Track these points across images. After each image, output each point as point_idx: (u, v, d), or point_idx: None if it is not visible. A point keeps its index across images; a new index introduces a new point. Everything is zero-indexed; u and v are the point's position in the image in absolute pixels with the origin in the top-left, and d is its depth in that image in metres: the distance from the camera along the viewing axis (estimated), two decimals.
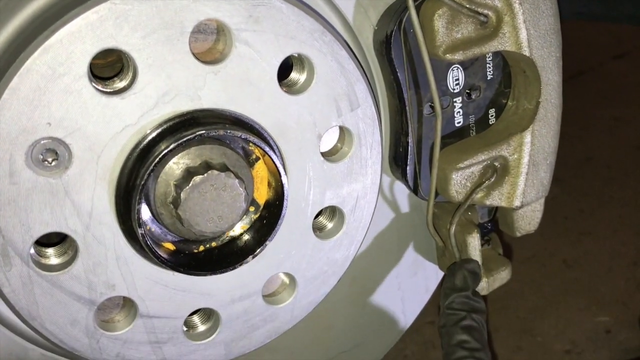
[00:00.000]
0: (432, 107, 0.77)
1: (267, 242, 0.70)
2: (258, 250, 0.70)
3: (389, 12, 0.77)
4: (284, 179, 0.68)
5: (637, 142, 2.70)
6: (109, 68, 0.71)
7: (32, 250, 0.63)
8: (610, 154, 2.50)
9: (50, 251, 0.65)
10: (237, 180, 0.65)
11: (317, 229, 0.77)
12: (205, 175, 0.64)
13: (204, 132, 0.63)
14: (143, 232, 0.63)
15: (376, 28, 0.78)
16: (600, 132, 2.67)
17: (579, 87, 3.16)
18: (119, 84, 0.62)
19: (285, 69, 0.69)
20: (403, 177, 0.82)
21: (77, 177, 0.61)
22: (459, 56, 0.74)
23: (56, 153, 0.60)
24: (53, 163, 0.60)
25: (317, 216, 0.76)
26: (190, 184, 0.63)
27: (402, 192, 0.87)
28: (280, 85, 0.68)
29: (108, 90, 0.62)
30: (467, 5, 0.72)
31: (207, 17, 0.62)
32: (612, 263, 1.94)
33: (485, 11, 0.73)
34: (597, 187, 2.26)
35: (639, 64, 3.36)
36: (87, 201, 0.62)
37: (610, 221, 2.06)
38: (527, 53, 0.76)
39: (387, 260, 0.91)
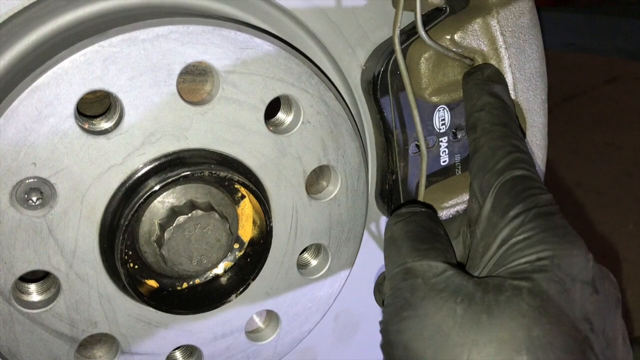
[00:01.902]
0: (418, 146, 0.78)
1: (251, 282, 0.70)
2: (241, 289, 0.70)
3: (376, 53, 0.78)
4: (269, 219, 0.69)
5: (627, 168, 2.72)
6: (98, 103, 0.72)
7: (15, 288, 0.63)
8: (600, 180, 2.52)
9: (32, 287, 0.65)
10: (221, 220, 0.65)
11: (302, 265, 0.77)
12: (190, 215, 0.64)
13: (189, 172, 0.63)
14: (126, 271, 0.63)
15: (364, 68, 0.78)
16: (590, 157, 2.69)
17: (571, 111, 3.18)
18: (106, 124, 0.62)
19: (272, 105, 0.70)
20: (389, 214, 0.82)
21: (61, 216, 0.61)
22: (445, 98, 0.75)
23: (41, 192, 0.60)
24: (37, 202, 0.60)
25: (301, 252, 0.76)
26: (174, 224, 0.64)
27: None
28: (267, 124, 0.68)
29: (95, 130, 0.62)
30: (454, 49, 0.73)
31: (195, 59, 0.62)
32: None
33: (472, 55, 0.74)
34: (587, 213, 2.27)
35: (630, 88, 3.39)
36: (71, 240, 0.63)
37: (599, 247, 2.07)
38: (512, 96, 0.77)
39: (371, 295, 0.91)
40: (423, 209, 0.71)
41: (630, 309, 1.93)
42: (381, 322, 0.63)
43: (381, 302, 0.72)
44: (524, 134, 0.79)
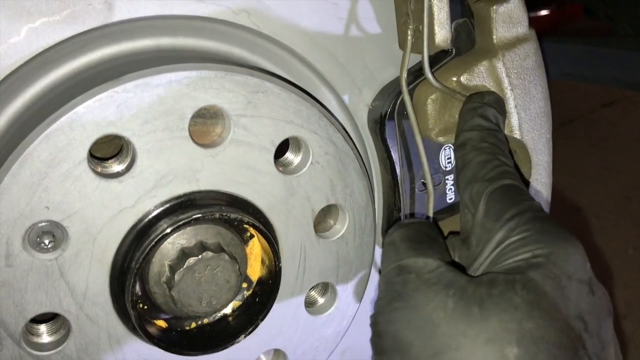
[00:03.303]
0: (425, 184, 0.79)
1: (259, 322, 0.70)
2: (250, 329, 0.70)
3: (383, 93, 0.79)
4: (277, 260, 0.69)
5: (626, 192, 2.73)
6: (108, 143, 0.72)
7: (25, 330, 0.63)
8: (599, 204, 2.53)
9: (42, 328, 0.66)
10: (231, 261, 0.66)
11: (309, 303, 0.77)
12: (200, 256, 0.65)
13: (200, 215, 0.64)
14: (136, 313, 0.63)
15: (371, 107, 0.79)
16: (590, 181, 2.70)
17: (569, 135, 3.20)
18: (118, 167, 0.63)
19: (280, 144, 0.71)
20: None
21: (72, 258, 0.62)
22: (451, 138, 0.76)
23: (53, 235, 0.61)
24: (50, 245, 0.61)
25: (309, 291, 0.76)
26: (184, 266, 0.64)
27: None
28: (276, 164, 0.69)
29: (107, 173, 0.63)
30: (460, 91, 0.74)
31: (207, 104, 0.63)
32: None
33: None
34: (586, 238, 2.28)
35: (628, 112, 3.42)
36: (81, 282, 0.63)
37: (598, 273, 2.08)
38: (518, 136, 0.78)
39: None
40: (423, 220, 0.72)
41: (628, 338, 1.93)
42: (371, 316, 0.62)
43: None
44: (518, 168, 0.81)
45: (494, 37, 0.73)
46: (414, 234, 0.66)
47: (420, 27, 0.71)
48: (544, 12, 2.88)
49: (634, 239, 2.32)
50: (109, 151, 0.70)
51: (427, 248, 0.63)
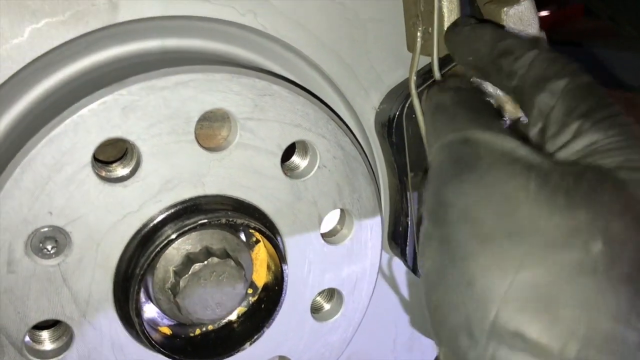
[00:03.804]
0: None
1: (265, 329, 0.69)
2: (256, 336, 0.69)
3: (390, 95, 0.77)
4: (284, 265, 0.68)
5: None
6: (112, 146, 0.71)
7: (27, 337, 0.61)
8: None
9: (44, 335, 0.64)
10: (237, 267, 0.65)
11: (314, 309, 0.76)
12: (206, 262, 0.63)
13: (206, 220, 0.62)
14: (140, 321, 0.62)
15: (378, 110, 0.78)
16: None
17: None
18: (122, 171, 0.62)
19: (287, 148, 0.70)
20: (402, 256, 0.82)
21: (75, 264, 0.61)
22: None
23: (56, 241, 0.60)
24: (52, 251, 0.60)
25: (315, 296, 0.75)
26: (190, 272, 0.63)
27: (399, 267, 0.87)
28: (283, 168, 0.68)
29: (111, 177, 0.61)
30: None
31: (214, 107, 0.62)
32: None
33: (488, 98, 0.74)
34: None
35: (628, 113, 3.41)
36: (84, 288, 0.62)
37: None
38: None
39: (383, 336, 0.90)
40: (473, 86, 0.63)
41: None
42: (429, 183, 0.55)
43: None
44: None
45: None
46: (469, 99, 0.58)
47: (430, 29, 0.70)
48: (543, 13, 2.87)
49: None
50: (112, 154, 0.68)
51: (493, 119, 0.55)
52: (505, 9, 0.71)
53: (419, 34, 0.71)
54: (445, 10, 0.68)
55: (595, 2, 1.84)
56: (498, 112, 0.58)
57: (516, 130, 0.56)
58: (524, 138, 0.54)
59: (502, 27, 0.71)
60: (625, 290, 0.46)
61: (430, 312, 0.52)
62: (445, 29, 0.68)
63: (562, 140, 0.53)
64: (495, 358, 0.47)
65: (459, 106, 0.57)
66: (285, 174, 0.68)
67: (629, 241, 0.47)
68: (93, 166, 0.59)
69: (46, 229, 0.59)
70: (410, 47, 0.73)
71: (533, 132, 0.56)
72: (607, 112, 0.52)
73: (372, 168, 0.76)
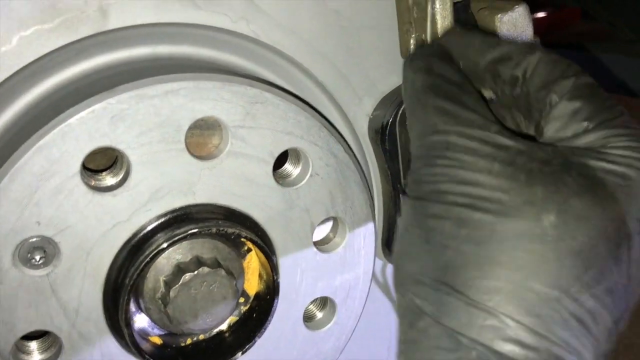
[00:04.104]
0: None
1: (257, 338, 0.68)
2: (247, 346, 0.68)
3: (384, 102, 0.77)
4: (275, 274, 0.67)
5: None
6: (101, 154, 0.70)
7: (14, 347, 0.61)
8: None
9: (33, 345, 0.64)
10: (228, 277, 0.64)
11: (307, 317, 0.75)
12: (196, 272, 0.63)
13: (196, 230, 0.62)
14: (130, 332, 0.61)
15: (371, 117, 0.78)
16: None
17: None
18: (111, 180, 0.61)
19: (279, 156, 0.69)
20: None
21: (64, 274, 0.60)
22: None
23: (44, 251, 0.59)
24: (40, 261, 0.59)
25: (307, 304, 0.74)
26: (180, 282, 0.62)
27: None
28: (275, 176, 0.67)
29: (100, 186, 0.61)
30: None
31: (205, 115, 0.61)
32: None
33: None
34: None
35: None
36: (74, 298, 0.61)
37: None
38: None
39: (377, 343, 0.89)
40: (440, 51, 0.63)
41: (618, 339, 1.92)
42: (411, 171, 0.59)
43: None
44: None
45: None
46: (440, 83, 0.59)
47: (423, 35, 0.69)
48: (540, 15, 2.87)
49: None
50: (102, 162, 0.68)
51: (461, 107, 0.57)
52: (499, 15, 0.71)
53: (412, 40, 0.70)
54: (438, 17, 0.67)
55: (593, 5, 1.84)
56: (471, 89, 0.59)
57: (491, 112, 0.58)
58: (499, 122, 0.57)
59: (494, 34, 0.70)
60: (572, 262, 0.50)
61: (394, 261, 0.59)
62: (439, 35, 0.68)
63: (561, 135, 0.55)
64: (441, 302, 0.52)
65: (430, 93, 0.59)
66: (277, 182, 0.67)
67: (585, 219, 0.50)
68: (82, 175, 0.58)
69: (34, 239, 0.58)
70: (404, 53, 0.73)
71: (534, 124, 0.58)
72: (607, 115, 0.54)
73: (365, 175, 0.76)
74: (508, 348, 0.49)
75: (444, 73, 0.60)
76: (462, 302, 0.51)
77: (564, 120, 0.55)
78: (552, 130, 0.56)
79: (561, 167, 0.52)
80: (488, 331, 0.50)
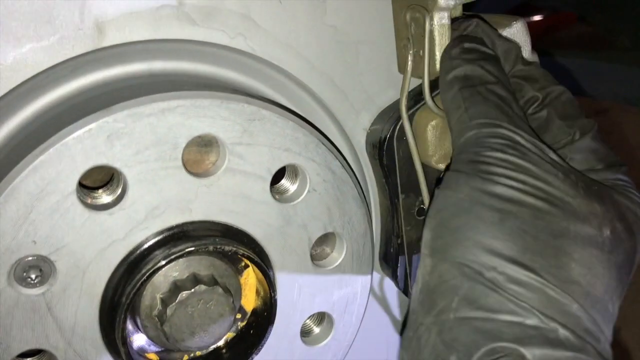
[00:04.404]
0: (424, 210, 0.77)
1: (254, 355, 0.68)
2: None
3: (381, 116, 0.77)
4: (273, 291, 0.67)
5: None
6: (98, 170, 0.70)
7: None
8: None
9: None
10: (225, 295, 0.64)
11: (304, 333, 0.75)
12: (193, 290, 0.62)
13: (193, 248, 0.62)
14: (126, 350, 0.61)
15: (369, 131, 0.77)
16: None
17: None
18: (108, 198, 0.61)
19: (276, 172, 0.69)
20: (393, 277, 0.81)
21: (60, 293, 0.60)
22: None
23: (40, 270, 0.59)
24: (36, 280, 0.58)
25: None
26: (177, 300, 0.62)
27: (391, 287, 0.86)
28: (272, 192, 0.67)
29: (96, 204, 0.60)
30: None
31: (202, 132, 0.61)
32: None
33: None
34: None
35: (620, 121, 3.41)
36: (70, 317, 0.61)
37: None
38: None
39: (374, 357, 0.89)
40: (492, 51, 0.66)
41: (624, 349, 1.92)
42: (460, 150, 0.61)
43: None
44: None
45: None
46: (499, 86, 0.62)
47: (421, 51, 0.69)
48: (536, 18, 2.87)
49: None
50: (99, 177, 0.67)
51: (519, 117, 0.61)
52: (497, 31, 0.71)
53: (410, 56, 0.70)
54: (436, 33, 0.67)
55: (592, 13, 1.84)
56: (519, 105, 0.64)
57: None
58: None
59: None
60: (616, 274, 0.57)
61: (446, 233, 0.58)
62: (437, 52, 0.68)
63: (579, 167, 0.62)
64: (517, 280, 0.54)
65: (490, 91, 0.62)
66: (275, 198, 0.67)
67: (622, 240, 0.57)
68: (78, 193, 0.58)
69: (30, 258, 0.58)
70: (402, 68, 0.73)
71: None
72: (616, 160, 0.63)
73: (362, 190, 0.76)
74: (583, 334, 0.54)
75: (500, 77, 0.64)
76: (543, 285, 0.54)
77: (584, 155, 0.62)
78: (572, 160, 0.62)
79: (601, 189, 0.59)
80: (568, 316, 0.54)
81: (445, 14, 0.67)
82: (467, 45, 0.65)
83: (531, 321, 0.53)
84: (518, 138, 0.58)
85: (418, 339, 0.57)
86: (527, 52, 0.73)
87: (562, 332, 0.53)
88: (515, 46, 0.67)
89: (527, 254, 0.55)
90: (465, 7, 0.71)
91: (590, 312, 0.54)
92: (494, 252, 0.55)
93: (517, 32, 0.71)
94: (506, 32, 0.71)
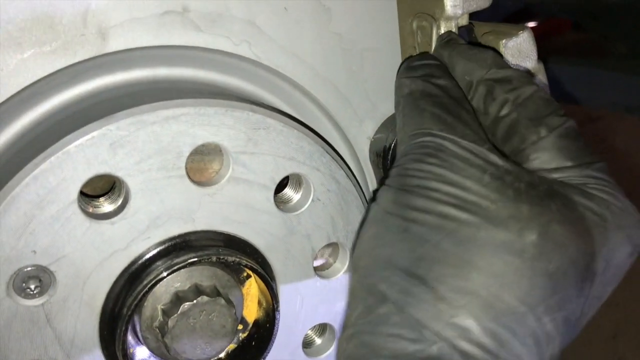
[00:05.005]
0: None
1: None
2: None
3: (385, 125, 0.76)
4: (275, 303, 0.66)
5: None
6: (99, 177, 0.69)
7: None
8: None
9: None
10: (227, 306, 0.63)
11: (306, 344, 0.74)
12: (195, 301, 0.61)
13: (195, 259, 0.60)
14: None
15: (372, 140, 0.77)
16: None
17: None
18: (109, 207, 0.60)
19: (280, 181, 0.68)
20: None
21: (60, 304, 0.58)
22: None
23: (40, 280, 0.57)
24: (36, 290, 0.57)
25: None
26: (179, 311, 0.61)
27: None
28: (275, 201, 0.66)
29: (98, 213, 0.59)
30: None
31: (206, 141, 0.60)
32: (592, 336, 1.94)
33: None
34: None
35: (614, 127, 3.42)
36: (69, 328, 0.59)
37: None
38: None
39: None
40: (440, 63, 0.66)
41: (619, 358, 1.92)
42: (396, 165, 0.59)
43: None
44: None
45: None
46: (438, 93, 0.61)
47: None
48: (531, 24, 2.88)
49: None
50: (99, 185, 0.66)
51: (457, 120, 0.59)
52: (504, 41, 0.70)
53: None
54: None
55: (587, 19, 1.84)
56: (469, 107, 0.62)
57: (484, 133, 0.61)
58: (490, 141, 0.59)
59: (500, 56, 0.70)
60: (543, 283, 0.52)
61: (360, 242, 0.59)
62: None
63: (545, 166, 0.58)
64: (409, 292, 0.52)
65: (428, 100, 0.61)
66: (278, 207, 0.66)
67: (562, 246, 0.52)
68: (79, 202, 0.57)
69: (29, 269, 0.56)
70: None
71: (511, 148, 0.60)
72: (589, 158, 0.58)
73: (366, 199, 0.75)
74: (470, 349, 0.50)
75: (445, 85, 0.62)
76: (432, 296, 0.52)
77: (550, 153, 0.58)
78: (537, 159, 0.58)
79: (546, 193, 0.55)
80: (454, 329, 0.51)
81: (453, 23, 0.66)
82: (414, 63, 0.65)
83: (412, 335, 0.51)
84: (446, 144, 0.57)
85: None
86: (532, 61, 0.72)
87: (437, 347, 0.50)
88: (490, 53, 0.64)
89: (424, 263, 0.53)
90: (470, 15, 0.70)
91: (488, 324, 0.50)
92: (390, 263, 0.54)
93: (523, 41, 0.71)
94: (513, 42, 0.70)
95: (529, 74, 0.65)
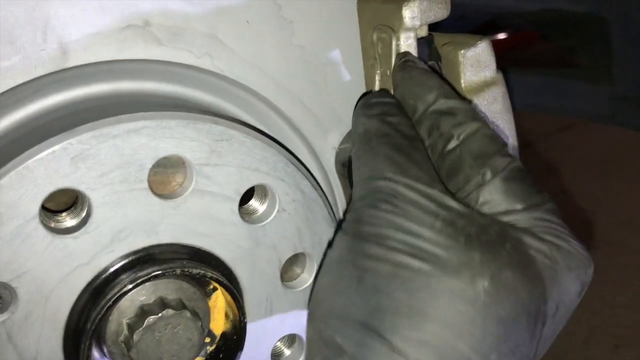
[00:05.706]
0: None
1: None
2: None
3: (350, 135, 0.77)
4: (242, 315, 0.66)
5: (584, 216, 2.78)
6: (62, 192, 0.68)
7: None
8: None
9: None
10: (193, 319, 0.62)
11: (275, 355, 0.74)
12: (160, 315, 0.61)
13: (159, 272, 0.60)
14: None
15: (338, 150, 0.77)
16: None
17: (527, 159, 3.25)
18: (72, 222, 0.59)
19: (245, 192, 0.68)
20: None
21: (22, 320, 0.58)
22: None
23: (0, 297, 0.57)
24: None
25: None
26: (144, 325, 0.60)
27: None
28: (240, 212, 0.66)
29: (60, 227, 0.59)
30: None
31: (168, 153, 0.60)
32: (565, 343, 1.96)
33: None
34: None
35: (585, 136, 3.49)
36: (32, 345, 0.59)
37: None
38: None
39: None
40: (394, 101, 0.66)
41: None
42: (351, 209, 0.60)
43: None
44: None
45: (462, 81, 0.72)
46: (391, 133, 0.61)
47: (388, 71, 0.69)
48: (500, 36, 2.93)
49: (594, 263, 2.35)
50: (62, 200, 0.66)
51: (409, 161, 0.59)
52: (462, 51, 0.72)
53: (377, 75, 0.71)
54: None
55: (553, 32, 1.88)
56: (421, 146, 0.62)
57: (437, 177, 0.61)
58: (442, 182, 0.60)
59: (453, 87, 0.70)
60: (496, 330, 0.53)
61: (315, 292, 0.60)
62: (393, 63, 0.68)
63: (494, 210, 0.58)
64: (364, 345, 0.53)
65: (382, 141, 0.61)
66: (244, 219, 0.66)
67: (513, 292, 0.53)
68: (41, 217, 0.56)
69: None
70: (369, 87, 0.73)
71: (456, 186, 0.60)
72: (538, 200, 0.58)
73: (332, 209, 0.76)
74: None
75: (397, 125, 0.62)
76: (386, 348, 0.52)
77: (499, 197, 0.58)
78: (486, 203, 0.58)
79: (497, 237, 0.55)
80: None
81: (412, 34, 0.68)
82: (370, 101, 0.66)
83: None
84: (400, 188, 0.57)
85: None
86: (492, 70, 0.74)
87: None
88: (437, 81, 0.64)
89: (378, 314, 0.53)
90: (431, 26, 0.72)
91: None
92: (345, 314, 0.54)
93: (482, 51, 0.72)
94: (471, 52, 0.72)
95: (474, 108, 0.66)
